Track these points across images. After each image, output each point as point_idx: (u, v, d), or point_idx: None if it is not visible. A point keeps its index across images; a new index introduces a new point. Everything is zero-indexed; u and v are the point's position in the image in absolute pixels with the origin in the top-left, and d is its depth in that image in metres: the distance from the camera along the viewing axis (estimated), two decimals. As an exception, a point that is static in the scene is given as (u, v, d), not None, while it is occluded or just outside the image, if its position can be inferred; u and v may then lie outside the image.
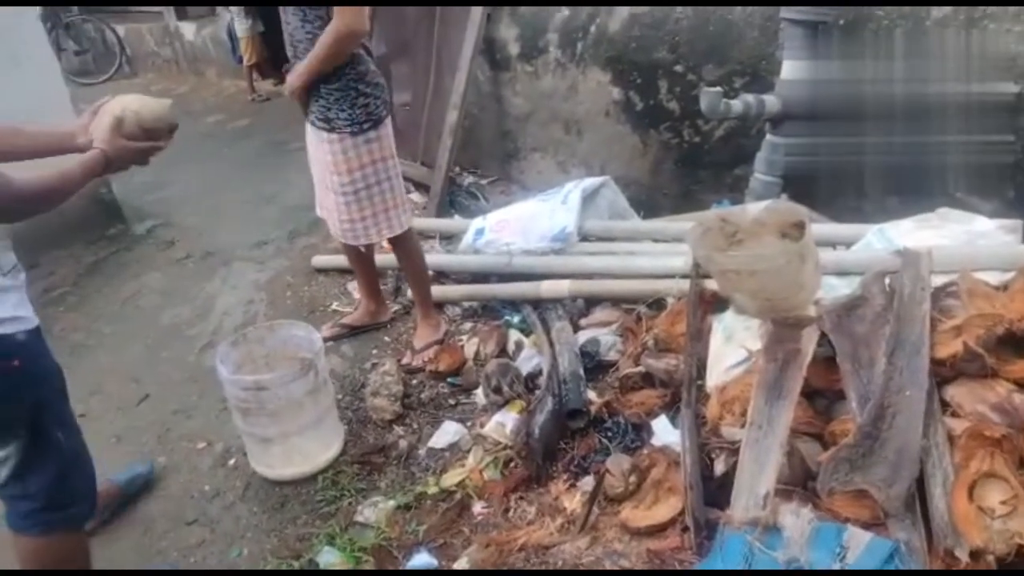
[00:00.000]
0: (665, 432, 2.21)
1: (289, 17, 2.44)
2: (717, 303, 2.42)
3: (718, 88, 2.62)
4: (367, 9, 2.31)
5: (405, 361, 2.88)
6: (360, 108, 2.43)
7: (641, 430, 2.26)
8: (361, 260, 2.96)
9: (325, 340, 2.94)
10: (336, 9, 2.24)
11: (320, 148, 2.53)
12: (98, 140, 1.61)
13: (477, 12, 3.65)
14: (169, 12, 8.07)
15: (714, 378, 2.18)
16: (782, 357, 1.91)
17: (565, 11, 3.60)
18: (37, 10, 3.88)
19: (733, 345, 2.19)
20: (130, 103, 1.68)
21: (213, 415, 2.75)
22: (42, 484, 1.67)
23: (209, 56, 7.92)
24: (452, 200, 4.09)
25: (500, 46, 3.88)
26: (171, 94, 7.78)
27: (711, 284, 2.43)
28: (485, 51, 3.90)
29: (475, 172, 4.49)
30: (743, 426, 1.87)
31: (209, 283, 3.71)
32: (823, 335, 1.93)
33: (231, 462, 2.53)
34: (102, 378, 3.05)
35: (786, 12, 2.68)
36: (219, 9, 7.26)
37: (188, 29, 8.01)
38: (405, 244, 2.80)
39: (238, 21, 6.69)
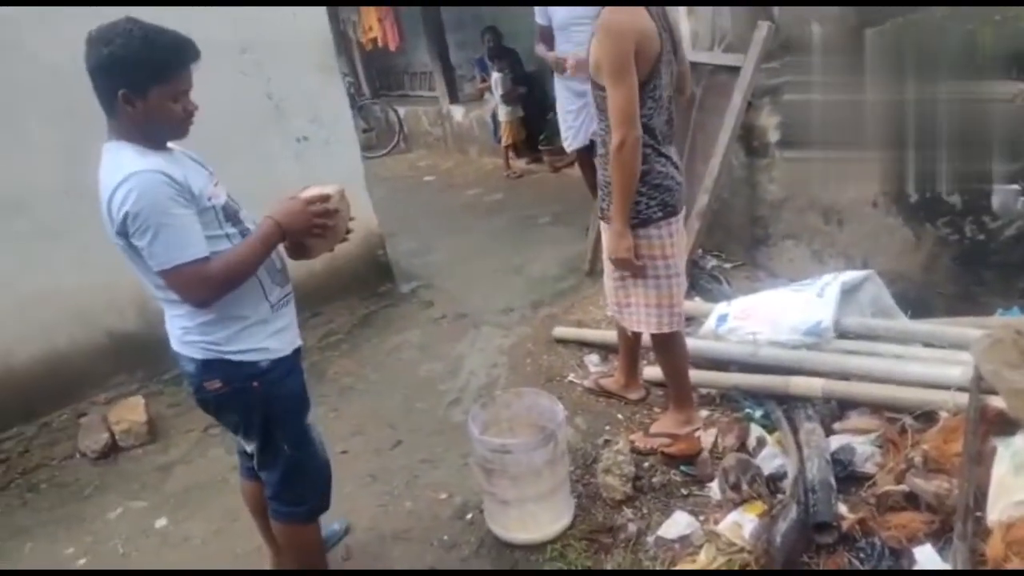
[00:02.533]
0: (930, 563, 1.97)
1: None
2: (1003, 424, 2.14)
3: (1016, 186, 2.37)
4: (637, 120, 2.29)
5: (632, 438, 2.88)
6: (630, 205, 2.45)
7: (900, 557, 2.03)
8: (623, 336, 3.05)
9: (583, 389, 3.33)
10: (612, 120, 2.31)
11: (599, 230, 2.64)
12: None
13: (738, 100, 3.67)
14: (443, 97, 9.06)
15: (998, 512, 1.91)
16: (1094, 501, 1.63)
17: (832, 100, 3.48)
18: (347, 100, 4.60)
19: (1025, 477, 1.91)
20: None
21: (455, 468, 2.94)
22: (270, 481, 2.08)
23: (473, 136, 8.74)
24: (694, 283, 4.05)
25: (759, 133, 3.84)
26: (437, 169, 8.71)
27: (996, 401, 2.16)
28: (741, 138, 3.88)
29: (719, 255, 4.42)
30: (1037, 574, 1.61)
31: (460, 343, 4.02)
32: None
33: (468, 516, 2.67)
34: (364, 420, 3.41)
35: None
36: (487, 95, 8.02)
37: (458, 112, 8.92)
38: (663, 343, 2.77)
39: (501, 107, 7.35)
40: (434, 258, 5.38)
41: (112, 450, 3.42)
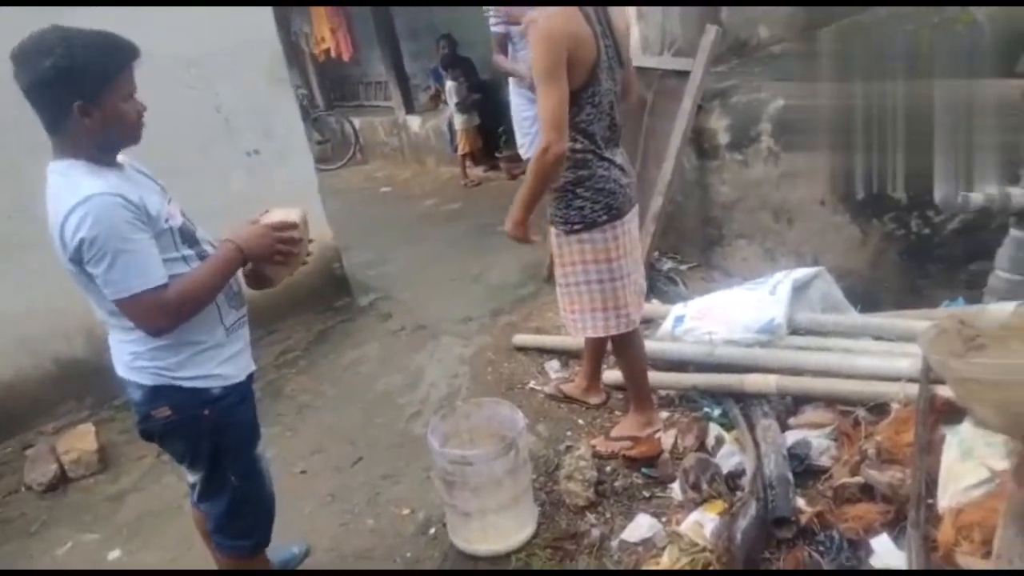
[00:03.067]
0: (887, 553, 2.01)
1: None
2: (951, 413, 2.18)
3: (955, 179, 2.44)
4: (565, 128, 2.25)
5: (594, 442, 2.88)
6: (575, 210, 2.45)
7: (858, 548, 2.06)
8: (586, 343, 3.05)
9: (545, 395, 3.32)
10: (541, 125, 2.29)
11: (550, 236, 2.64)
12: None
13: (688, 104, 3.71)
14: (399, 107, 9.02)
15: (948, 498, 1.95)
16: (1038, 484, 1.67)
17: (780, 101, 3.54)
18: (299, 112, 4.54)
19: (972, 462, 1.95)
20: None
21: (417, 482, 2.90)
22: (214, 512, 1.98)
23: (430, 145, 8.71)
24: (651, 285, 4.08)
25: (709, 136, 3.89)
26: (394, 179, 8.65)
27: (944, 391, 2.20)
28: (693, 140, 3.93)
29: (675, 257, 4.46)
30: (984, 556, 1.65)
31: (419, 355, 3.97)
32: (1090, 462, 1.66)
33: (431, 531, 2.63)
34: (323, 438, 3.35)
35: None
36: (442, 105, 8.00)
37: (414, 122, 8.88)
38: (620, 346, 2.79)
39: (457, 115, 7.34)
40: (392, 269, 5.33)
41: (61, 481, 3.29)
